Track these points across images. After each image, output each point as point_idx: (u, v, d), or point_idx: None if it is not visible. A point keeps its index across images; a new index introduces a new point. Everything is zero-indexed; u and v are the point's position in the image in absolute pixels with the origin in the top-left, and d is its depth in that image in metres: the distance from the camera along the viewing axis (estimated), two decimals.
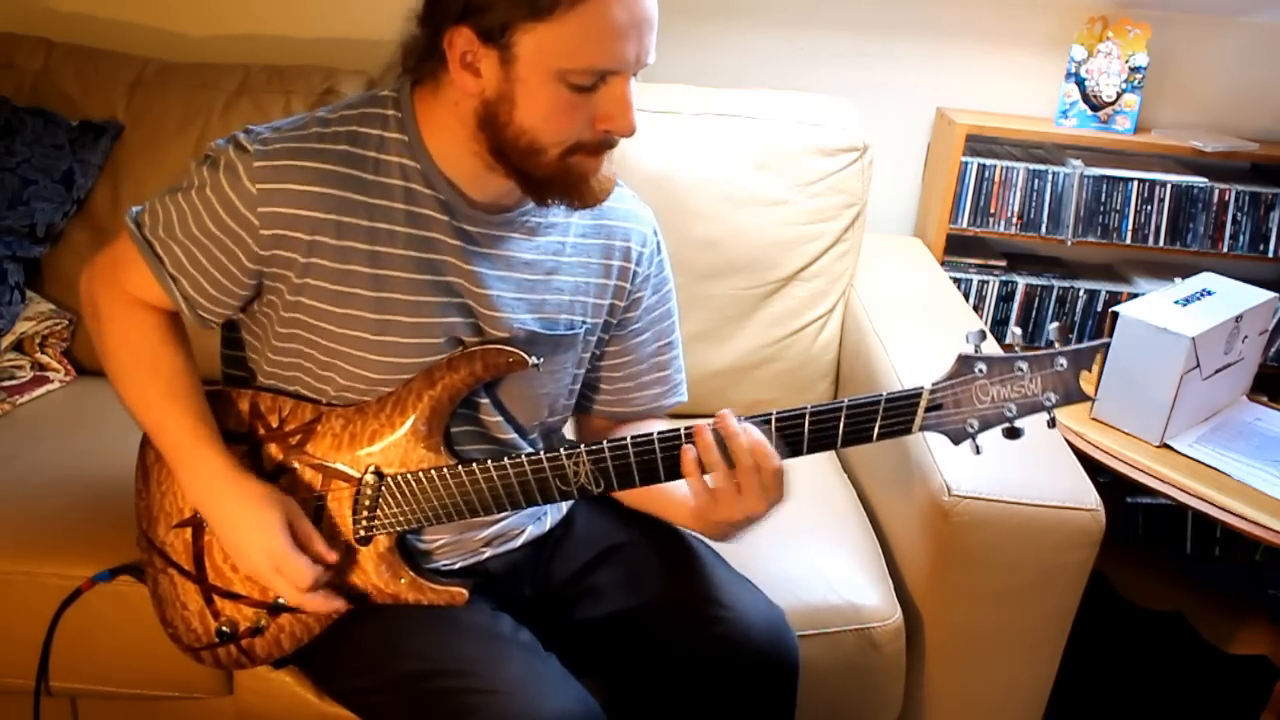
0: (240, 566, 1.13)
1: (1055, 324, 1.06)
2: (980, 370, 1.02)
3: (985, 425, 1.04)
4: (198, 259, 1.08)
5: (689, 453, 1.05)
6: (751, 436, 1.03)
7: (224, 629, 1.17)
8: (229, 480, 1.09)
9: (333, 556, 1.10)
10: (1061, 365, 1.01)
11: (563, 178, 1.03)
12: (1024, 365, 1.02)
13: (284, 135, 1.06)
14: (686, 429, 1.06)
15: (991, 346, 1.05)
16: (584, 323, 1.19)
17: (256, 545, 1.07)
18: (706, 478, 1.06)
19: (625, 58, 0.98)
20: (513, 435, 1.19)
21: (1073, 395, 1.03)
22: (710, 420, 1.05)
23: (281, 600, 1.15)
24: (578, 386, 1.25)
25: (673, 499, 1.20)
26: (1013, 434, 1.04)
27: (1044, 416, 1.03)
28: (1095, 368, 1.59)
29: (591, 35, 0.95)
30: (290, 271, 1.07)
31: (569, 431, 1.36)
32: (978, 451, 1.04)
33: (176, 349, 1.14)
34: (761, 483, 1.05)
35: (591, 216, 1.19)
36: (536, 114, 0.99)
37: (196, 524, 1.16)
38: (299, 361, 1.12)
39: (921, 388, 1.03)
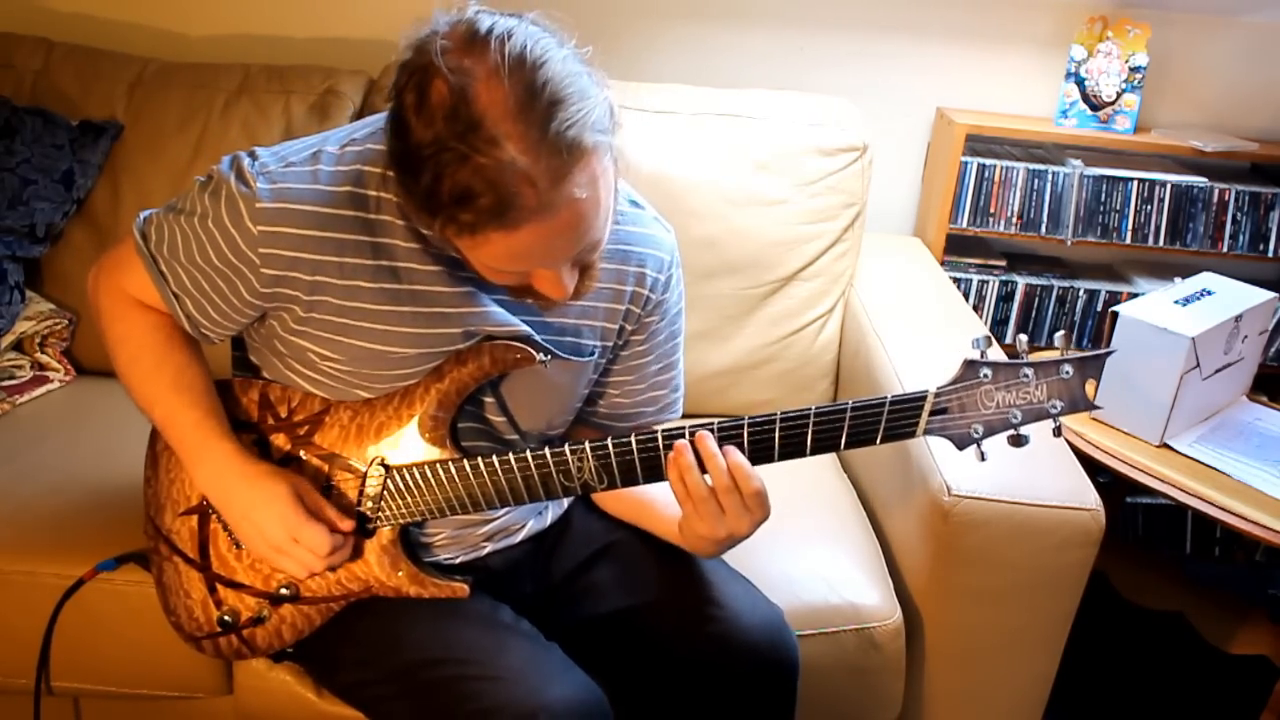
0: (254, 549, 1.12)
1: (1061, 332, 1.05)
2: (985, 375, 1.02)
3: (990, 431, 1.03)
4: (201, 285, 1.08)
5: (675, 469, 1.05)
6: (731, 458, 1.03)
7: (226, 618, 1.18)
8: (235, 468, 1.09)
9: (348, 523, 1.11)
10: (1067, 372, 1.01)
11: (515, 292, 1.04)
12: (1029, 371, 1.01)
13: (289, 172, 1.05)
14: (690, 429, 1.05)
15: (997, 352, 1.05)
16: (593, 348, 1.19)
17: (270, 518, 1.07)
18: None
19: (566, 258, 0.97)
20: (516, 436, 1.19)
21: (1079, 403, 1.02)
22: (693, 429, 1.05)
23: (284, 590, 1.15)
24: (579, 405, 1.25)
25: (661, 514, 1.21)
26: (1018, 442, 1.03)
27: (1050, 424, 1.02)
28: None
29: (540, 244, 0.93)
30: (295, 305, 1.08)
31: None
32: (983, 458, 1.03)
33: (181, 346, 1.15)
34: (744, 504, 1.05)
35: (610, 240, 1.16)
36: (476, 264, 0.99)
37: (203, 511, 1.17)
38: (301, 369, 1.12)
39: (926, 391, 1.03)
